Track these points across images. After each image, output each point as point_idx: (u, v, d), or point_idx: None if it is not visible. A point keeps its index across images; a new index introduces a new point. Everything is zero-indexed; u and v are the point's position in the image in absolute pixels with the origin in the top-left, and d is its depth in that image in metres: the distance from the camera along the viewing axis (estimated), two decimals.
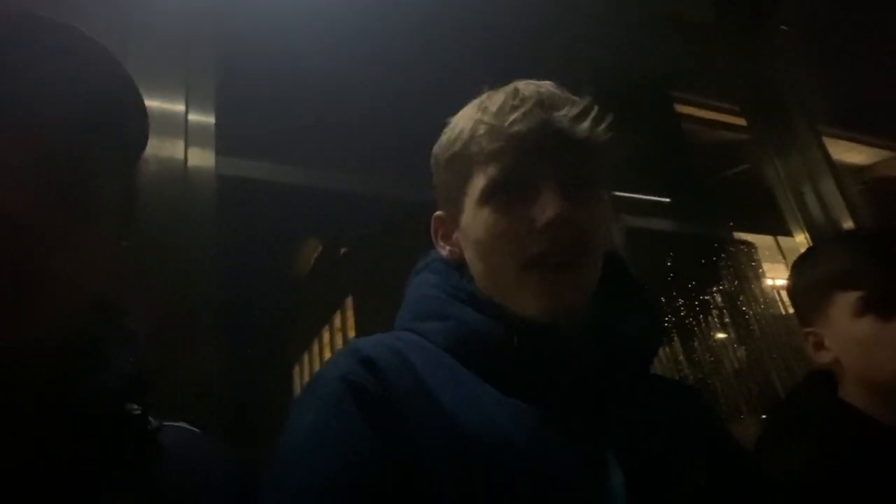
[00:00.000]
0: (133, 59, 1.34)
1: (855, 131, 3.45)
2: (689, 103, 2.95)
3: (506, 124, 0.72)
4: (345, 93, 1.87)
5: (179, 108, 1.40)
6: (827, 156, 2.21)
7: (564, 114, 0.72)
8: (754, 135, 2.45)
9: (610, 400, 0.70)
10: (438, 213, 0.85)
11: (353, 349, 0.68)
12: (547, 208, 0.69)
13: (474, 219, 0.75)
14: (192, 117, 1.41)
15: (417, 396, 0.64)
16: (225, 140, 1.45)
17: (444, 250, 0.83)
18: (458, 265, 0.81)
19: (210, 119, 1.45)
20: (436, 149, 0.83)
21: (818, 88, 2.50)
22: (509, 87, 0.76)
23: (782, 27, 2.39)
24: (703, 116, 3.06)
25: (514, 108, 0.73)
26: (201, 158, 1.40)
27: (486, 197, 0.74)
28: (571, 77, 0.75)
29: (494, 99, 0.76)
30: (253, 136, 1.74)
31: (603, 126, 0.74)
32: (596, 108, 0.74)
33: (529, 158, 0.72)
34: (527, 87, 0.75)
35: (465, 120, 0.78)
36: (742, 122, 2.75)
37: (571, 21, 2.17)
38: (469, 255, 0.78)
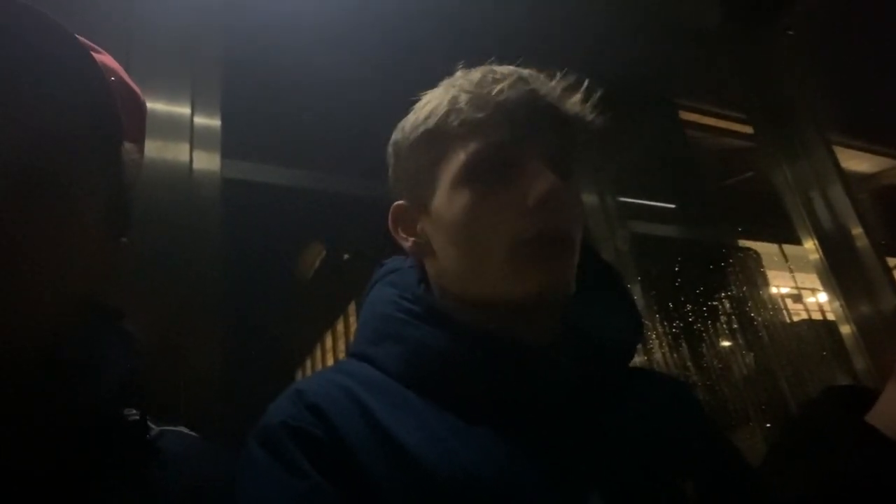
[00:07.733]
0: (138, 60, 1.33)
1: (859, 139, 3.44)
2: (694, 110, 2.95)
3: (492, 93, 0.67)
4: (351, 97, 1.87)
5: (185, 110, 1.40)
6: (836, 162, 2.20)
7: (553, 87, 0.69)
8: (761, 141, 2.44)
9: (587, 416, 0.64)
10: (398, 202, 0.77)
11: (295, 392, 0.64)
12: (540, 184, 0.64)
13: (451, 201, 0.68)
14: (198, 120, 1.40)
15: (371, 437, 0.59)
16: (231, 143, 1.45)
17: (406, 242, 0.75)
18: (420, 261, 0.75)
19: (216, 122, 1.44)
20: (397, 135, 0.76)
21: (824, 95, 2.50)
22: (483, 67, 0.71)
23: (789, 33, 2.38)
24: (707, 123, 3.06)
25: (497, 81, 0.68)
26: (207, 161, 1.39)
27: (468, 174, 0.67)
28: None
29: (470, 75, 0.71)
30: (259, 140, 1.73)
31: (590, 105, 0.70)
32: (584, 85, 0.70)
33: (516, 132, 0.66)
34: (502, 67, 0.71)
35: (438, 96, 0.72)
36: (746, 129, 2.75)
37: (575, 27, 2.17)
38: (441, 243, 0.70)
